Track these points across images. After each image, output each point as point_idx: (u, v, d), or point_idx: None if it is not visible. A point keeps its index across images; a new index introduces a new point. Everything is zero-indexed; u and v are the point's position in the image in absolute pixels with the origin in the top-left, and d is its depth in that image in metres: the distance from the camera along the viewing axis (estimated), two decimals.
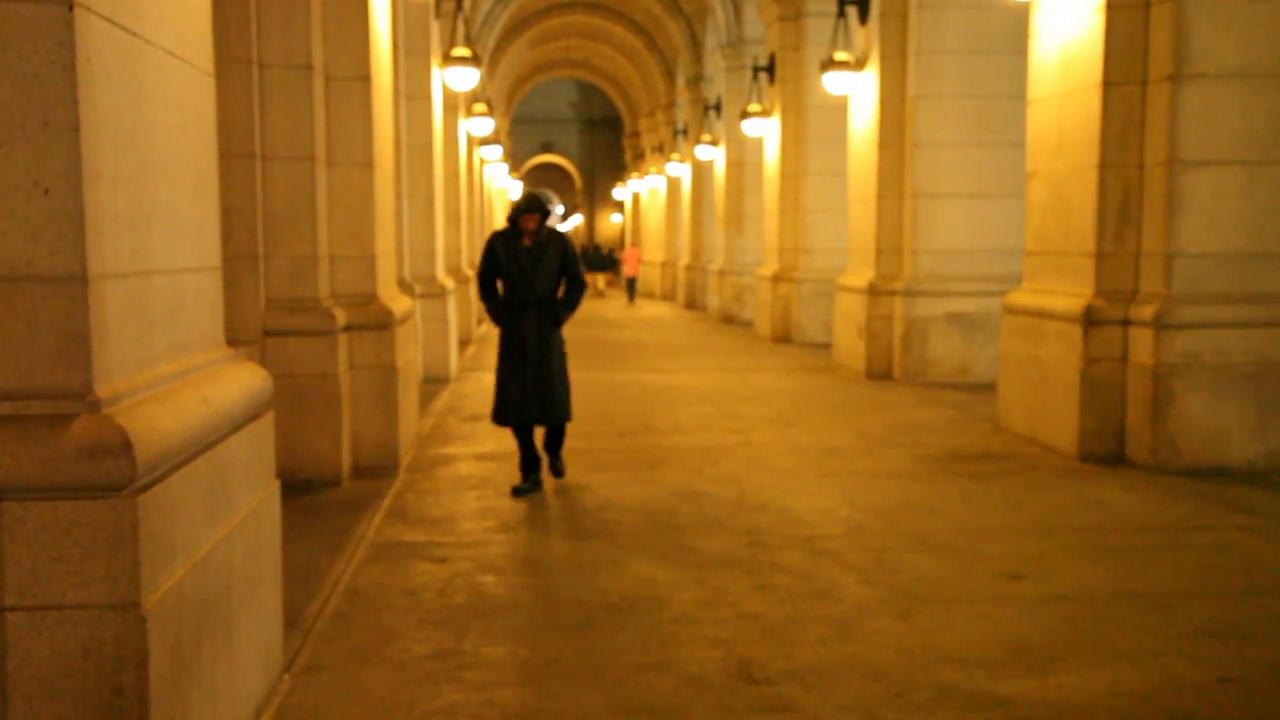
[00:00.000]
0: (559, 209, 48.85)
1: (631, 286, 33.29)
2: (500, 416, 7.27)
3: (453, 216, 15.97)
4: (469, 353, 16.19)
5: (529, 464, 7.33)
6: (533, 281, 7.10)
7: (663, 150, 33.53)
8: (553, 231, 7.23)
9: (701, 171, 27.36)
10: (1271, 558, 5.85)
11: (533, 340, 7.09)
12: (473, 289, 18.68)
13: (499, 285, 7.28)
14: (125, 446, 2.67)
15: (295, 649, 4.42)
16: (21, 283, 2.67)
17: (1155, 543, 6.06)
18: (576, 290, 7.32)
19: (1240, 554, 5.88)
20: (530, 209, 7.12)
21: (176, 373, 3.21)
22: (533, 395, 7.13)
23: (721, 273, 23.32)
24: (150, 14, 3.10)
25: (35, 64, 2.61)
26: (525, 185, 50.70)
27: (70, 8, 2.62)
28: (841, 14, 13.73)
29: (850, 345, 13.77)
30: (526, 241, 7.12)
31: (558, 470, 7.52)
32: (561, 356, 7.26)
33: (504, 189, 39.36)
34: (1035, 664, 4.33)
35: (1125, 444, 8.10)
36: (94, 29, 2.72)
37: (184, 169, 3.42)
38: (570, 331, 7.71)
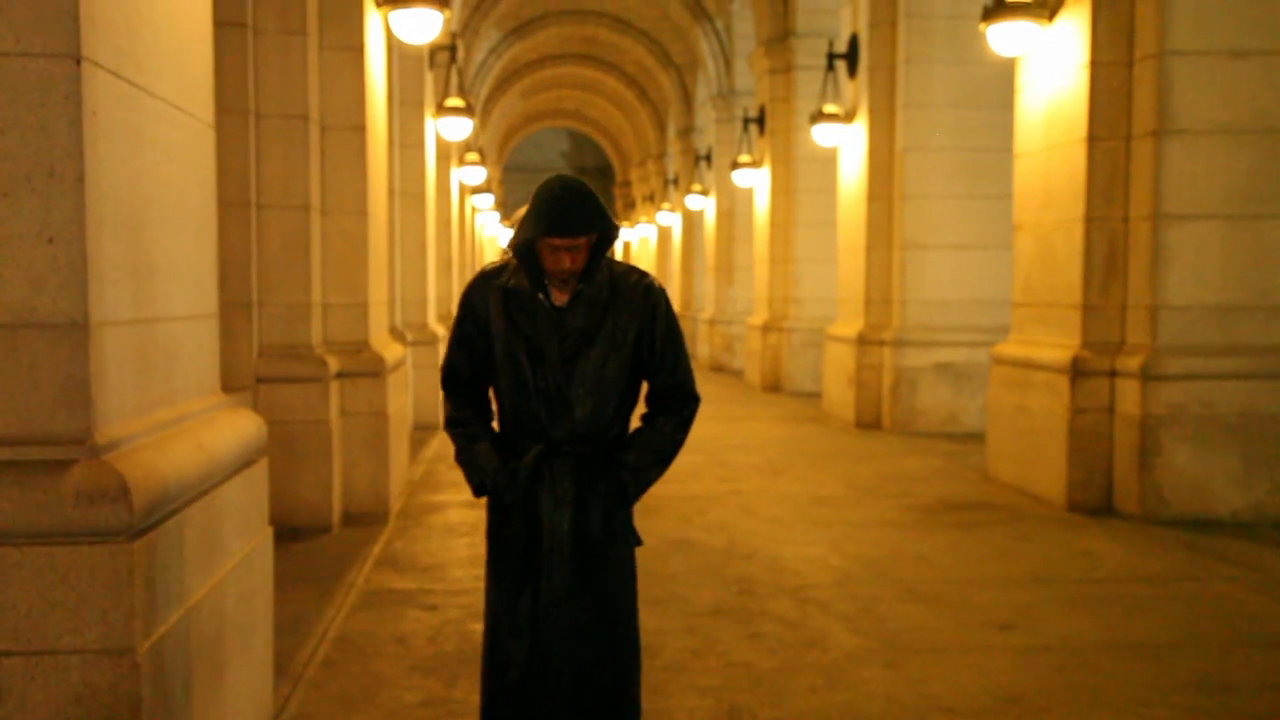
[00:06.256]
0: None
1: None
2: (492, 710, 3.39)
3: (445, 264, 16.05)
4: None
5: None
6: (566, 392, 3.29)
7: (654, 200, 33.75)
8: (622, 271, 3.39)
9: (692, 221, 27.54)
10: (1258, 609, 5.87)
11: (562, 535, 3.30)
12: None
13: (490, 396, 3.49)
14: (123, 492, 2.70)
15: (285, 697, 4.42)
16: (23, 330, 2.71)
17: (1143, 593, 6.09)
18: (676, 415, 3.42)
19: (1227, 605, 5.90)
20: (570, 221, 3.16)
21: (173, 419, 3.24)
22: (562, 662, 3.29)
23: (711, 321, 23.41)
24: (153, 67, 3.16)
25: (43, 116, 2.67)
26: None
27: (78, 62, 2.68)
28: (831, 67, 13.92)
29: (840, 394, 13.82)
30: (559, 297, 3.31)
31: None
32: (628, 578, 3.41)
33: (495, 236, 39.54)
34: (1024, 714, 4.34)
35: (1113, 494, 8.14)
36: (100, 82, 2.78)
37: (184, 218, 3.46)
38: None
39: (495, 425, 3.47)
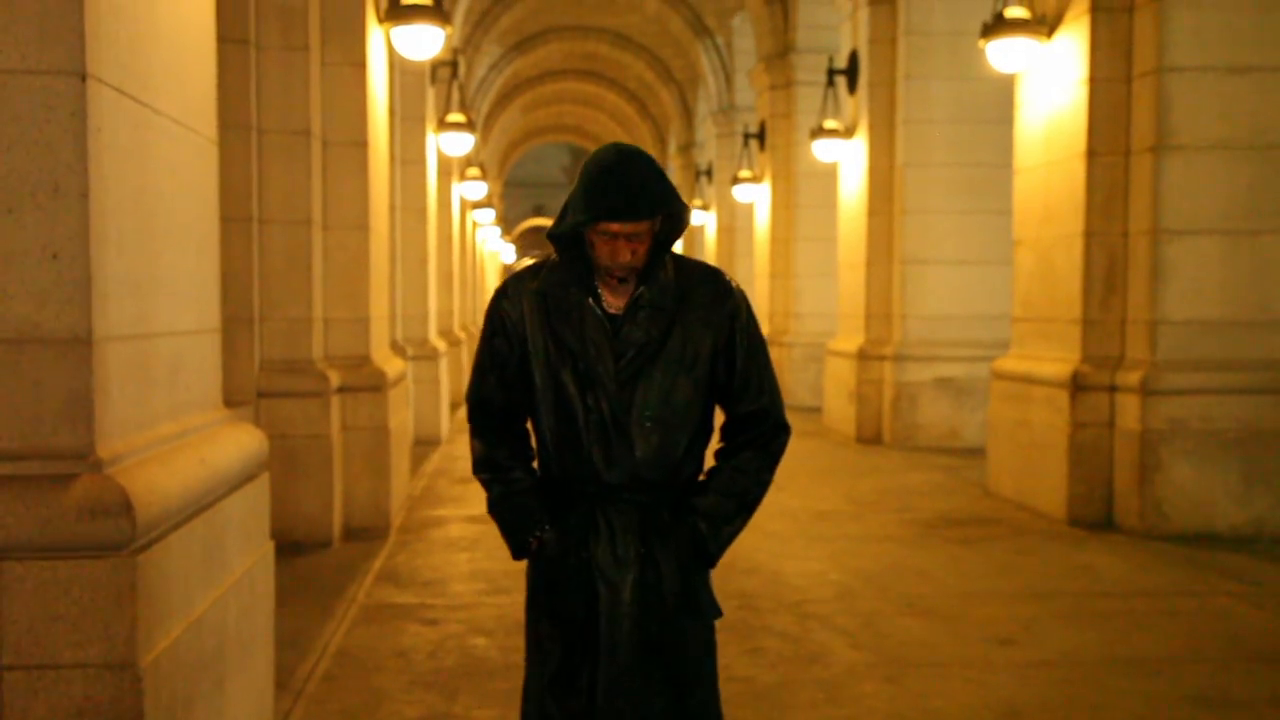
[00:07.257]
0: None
1: None
2: None
3: (445, 279, 16.08)
4: (460, 414, 16.20)
5: None
6: (625, 423, 2.61)
7: None
8: (692, 268, 2.72)
9: (692, 236, 27.58)
10: (1259, 624, 5.87)
11: (624, 603, 2.65)
12: (465, 352, 18.28)
13: (529, 431, 2.80)
14: (125, 506, 2.71)
15: (286, 711, 4.42)
16: (27, 345, 2.72)
17: (1144, 608, 6.09)
18: (763, 450, 2.82)
19: (1228, 620, 5.90)
20: (630, 200, 2.45)
21: (176, 433, 3.25)
22: None
23: None
24: (157, 84, 3.18)
25: (48, 133, 2.69)
26: (518, 247, 50.53)
27: (83, 79, 2.70)
28: (831, 83, 13.96)
29: (840, 409, 13.83)
30: (612, 301, 2.63)
31: None
32: (706, 654, 2.85)
33: (496, 251, 39.60)
34: None
35: (1113, 509, 8.15)
36: (105, 99, 2.80)
37: (186, 234, 3.48)
38: None
39: (535, 465, 2.76)
